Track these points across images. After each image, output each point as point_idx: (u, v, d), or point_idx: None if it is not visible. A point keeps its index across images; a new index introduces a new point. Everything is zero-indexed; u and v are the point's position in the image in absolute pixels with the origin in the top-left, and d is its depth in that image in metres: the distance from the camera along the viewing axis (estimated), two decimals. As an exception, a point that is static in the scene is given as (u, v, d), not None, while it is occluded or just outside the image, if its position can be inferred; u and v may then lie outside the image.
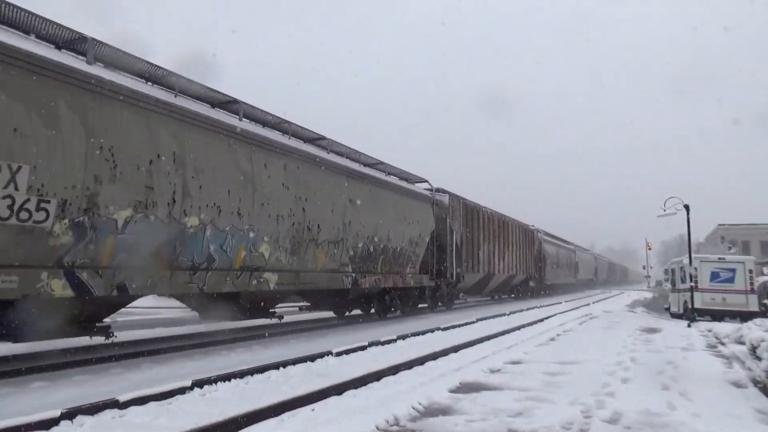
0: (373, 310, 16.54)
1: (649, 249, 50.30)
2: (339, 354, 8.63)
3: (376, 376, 7.06)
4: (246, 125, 10.17)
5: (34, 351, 8.11)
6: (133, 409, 5.21)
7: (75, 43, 7.52)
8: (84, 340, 8.24)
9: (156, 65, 8.40)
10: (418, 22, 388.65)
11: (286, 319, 12.90)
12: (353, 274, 13.24)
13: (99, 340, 7.82)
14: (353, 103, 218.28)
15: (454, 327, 13.47)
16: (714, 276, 18.40)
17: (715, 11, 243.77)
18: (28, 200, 6.22)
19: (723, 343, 11.40)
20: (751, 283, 18.24)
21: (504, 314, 18.38)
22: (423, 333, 11.86)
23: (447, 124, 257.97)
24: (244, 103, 10.17)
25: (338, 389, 6.21)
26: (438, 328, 12.73)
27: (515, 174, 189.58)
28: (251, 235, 9.73)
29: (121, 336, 8.83)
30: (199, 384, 6.11)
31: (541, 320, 16.57)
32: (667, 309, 21.55)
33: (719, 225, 60.75)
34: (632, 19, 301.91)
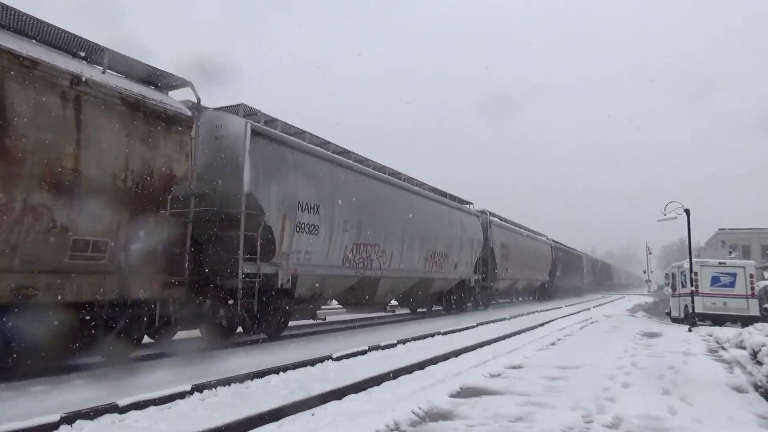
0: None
1: (650, 253, 50.27)
2: (339, 358, 8.61)
3: (376, 380, 7.04)
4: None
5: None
6: (132, 413, 5.21)
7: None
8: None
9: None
10: (416, 25, 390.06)
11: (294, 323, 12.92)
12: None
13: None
14: (354, 104, 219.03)
15: (455, 331, 13.45)
16: (715, 280, 18.35)
17: (717, 12, 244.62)
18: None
19: (724, 348, 11.36)
20: (752, 288, 18.20)
21: (505, 318, 18.35)
22: (424, 337, 11.84)
23: (445, 127, 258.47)
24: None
25: (338, 394, 6.20)
26: (438, 333, 12.71)
27: (515, 176, 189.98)
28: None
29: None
30: (199, 389, 6.10)
31: (542, 324, 16.52)
32: (668, 313, 21.51)
33: (720, 229, 60.67)
34: (633, 19, 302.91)
